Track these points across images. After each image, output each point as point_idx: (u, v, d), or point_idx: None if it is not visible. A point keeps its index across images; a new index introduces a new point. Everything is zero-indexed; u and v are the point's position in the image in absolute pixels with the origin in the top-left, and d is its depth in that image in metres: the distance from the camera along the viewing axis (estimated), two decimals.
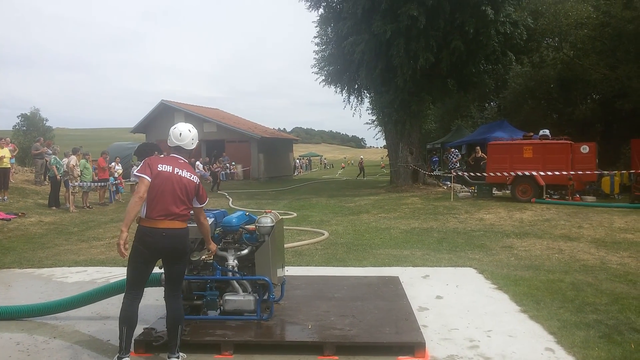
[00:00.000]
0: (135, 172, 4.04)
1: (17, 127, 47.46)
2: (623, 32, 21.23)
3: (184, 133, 4.12)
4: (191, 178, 4.04)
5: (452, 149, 21.56)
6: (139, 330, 4.19)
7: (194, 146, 4.20)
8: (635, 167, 15.37)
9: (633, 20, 20.57)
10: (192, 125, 4.25)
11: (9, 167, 15.73)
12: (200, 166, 27.87)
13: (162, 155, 4.34)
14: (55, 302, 5.20)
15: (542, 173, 14.43)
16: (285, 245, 8.82)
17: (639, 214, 11.77)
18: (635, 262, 7.48)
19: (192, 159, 27.26)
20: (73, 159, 15.45)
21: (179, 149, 4.14)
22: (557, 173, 14.19)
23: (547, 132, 15.98)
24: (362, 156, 45.45)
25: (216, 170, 25.62)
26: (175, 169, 3.99)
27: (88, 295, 5.14)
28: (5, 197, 14.93)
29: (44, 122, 50.08)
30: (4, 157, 14.89)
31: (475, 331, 4.65)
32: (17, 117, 48.26)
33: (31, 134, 41.81)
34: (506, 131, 22.04)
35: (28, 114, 48.46)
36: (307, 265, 7.59)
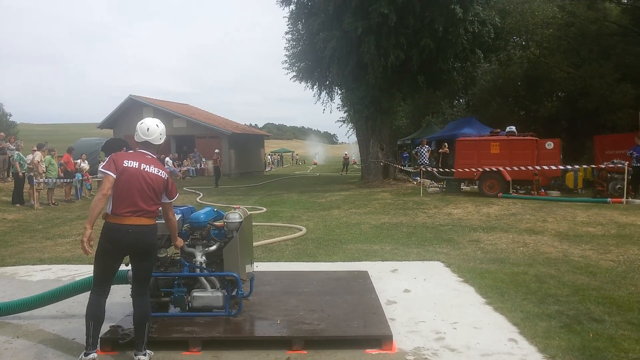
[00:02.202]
0: (100, 169, 3.97)
1: None
2: (586, 32, 21.85)
3: (152, 128, 4.08)
4: (159, 173, 4.00)
5: (426, 145, 21.69)
6: (105, 328, 4.13)
7: (162, 141, 4.16)
8: (597, 162, 15.86)
9: (596, 21, 21.19)
10: (159, 120, 4.20)
11: None
12: (170, 162, 27.54)
13: (130, 151, 4.27)
14: (19, 301, 5.07)
15: (508, 168, 14.74)
16: (264, 242, 8.85)
17: (601, 208, 12.14)
18: (596, 254, 7.73)
19: (162, 155, 26.87)
20: (38, 155, 15.09)
21: (146, 144, 4.09)
22: (523, 168, 14.52)
23: (513, 128, 16.31)
24: (346, 152, 46.00)
25: (217, 165, 24.91)
26: (142, 164, 3.94)
27: (54, 293, 5.03)
28: None
29: (8, 117, 48.82)
30: None
31: (442, 323, 4.74)
32: None
33: None
34: (474, 127, 22.42)
35: None
36: (277, 261, 7.60)
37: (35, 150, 15.42)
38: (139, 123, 4.12)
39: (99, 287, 3.93)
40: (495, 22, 19.01)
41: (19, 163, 14.97)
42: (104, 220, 3.89)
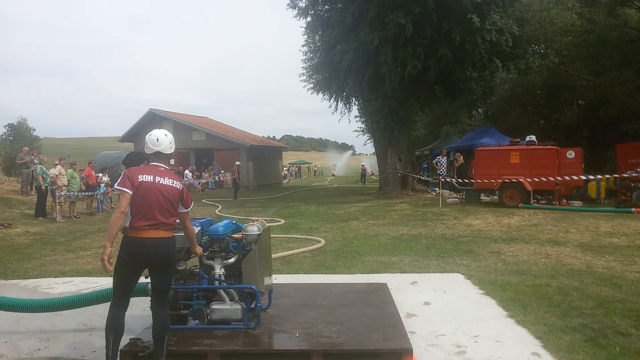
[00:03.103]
0: (115, 186, 4.01)
1: (3, 137, 47.16)
2: (606, 39, 21.57)
3: (161, 138, 4.13)
4: (173, 185, 4.03)
5: (445, 155, 21.40)
6: (125, 340, 4.15)
7: (172, 150, 4.21)
8: (620, 171, 15.56)
9: (616, 28, 20.91)
10: (167, 130, 4.26)
11: None
12: (189, 175, 27.76)
13: (146, 165, 4.31)
14: (41, 301, 5.06)
15: (529, 179, 14.55)
16: (283, 254, 8.85)
17: (625, 218, 11.89)
18: (621, 265, 7.56)
19: (180, 167, 27.11)
20: (57, 168, 15.35)
21: (158, 155, 4.13)
22: (543, 178, 14.31)
23: (533, 137, 16.14)
24: (363, 163, 46.30)
25: (235, 178, 24.85)
26: (157, 177, 3.98)
27: (75, 299, 5.05)
28: None
29: (31, 131, 49.80)
30: None
31: (463, 337, 4.67)
32: (4, 127, 48.05)
33: (18, 143, 41.48)
34: (493, 137, 22.21)
35: (15, 123, 48.15)
36: (296, 273, 7.58)
37: (56, 164, 15.70)
38: (147, 135, 4.17)
39: (118, 300, 3.96)
40: (513, 30, 18.90)
41: (42, 177, 15.24)
42: (122, 234, 3.93)
